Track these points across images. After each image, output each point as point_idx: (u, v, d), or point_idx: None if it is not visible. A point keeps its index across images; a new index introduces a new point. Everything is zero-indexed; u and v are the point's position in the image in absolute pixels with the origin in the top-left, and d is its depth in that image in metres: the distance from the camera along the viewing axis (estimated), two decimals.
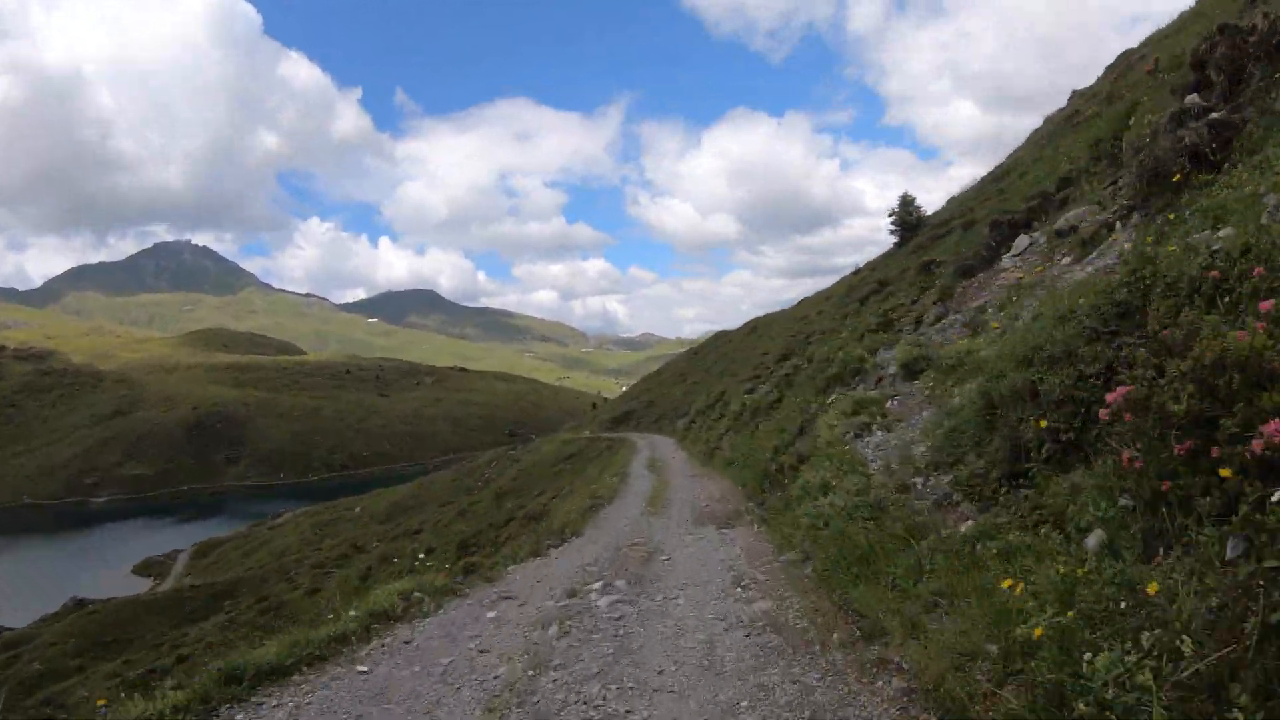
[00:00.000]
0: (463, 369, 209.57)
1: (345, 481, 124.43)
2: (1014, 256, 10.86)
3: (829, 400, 14.69)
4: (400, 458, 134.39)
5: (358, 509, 72.01)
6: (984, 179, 30.49)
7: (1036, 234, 11.51)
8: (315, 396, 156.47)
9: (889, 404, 10.98)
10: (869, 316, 20.98)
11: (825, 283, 57.07)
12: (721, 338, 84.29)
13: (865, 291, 25.87)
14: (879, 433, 10.19)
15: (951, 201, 32.45)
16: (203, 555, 74.25)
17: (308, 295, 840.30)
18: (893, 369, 12.80)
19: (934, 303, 10.22)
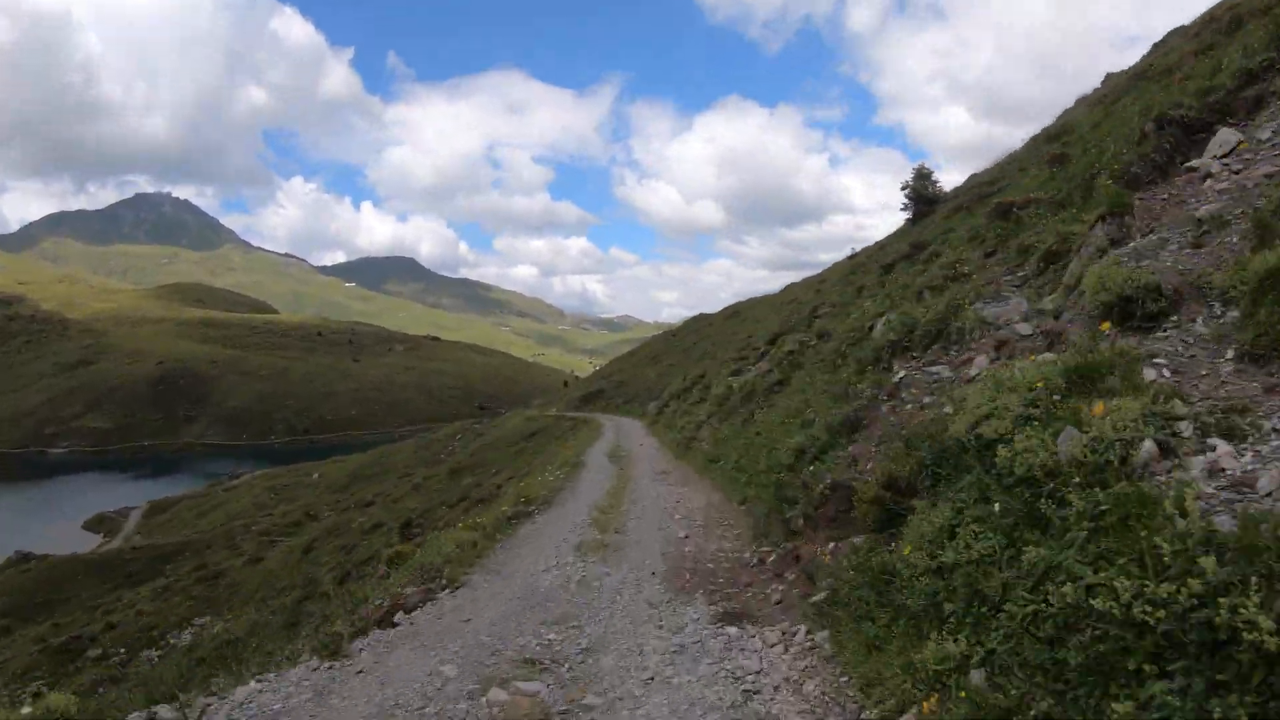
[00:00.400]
0: (436, 338, 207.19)
1: (312, 446, 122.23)
2: (1220, 158, 8.47)
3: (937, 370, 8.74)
4: (368, 425, 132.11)
5: (316, 475, 70.30)
6: (1036, 138, 28.53)
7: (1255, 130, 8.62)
8: (285, 357, 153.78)
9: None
10: (915, 278, 14.41)
11: (805, 276, 55.34)
12: (700, 320, 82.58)
13: (892, 258, 22.50)
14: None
15: (973, 177, 30.48)
16: (157, 513, 72.32)
17: (286, 255, 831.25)
18: (1045, 319, 7.65)
19: (1100, 221, 7.29)
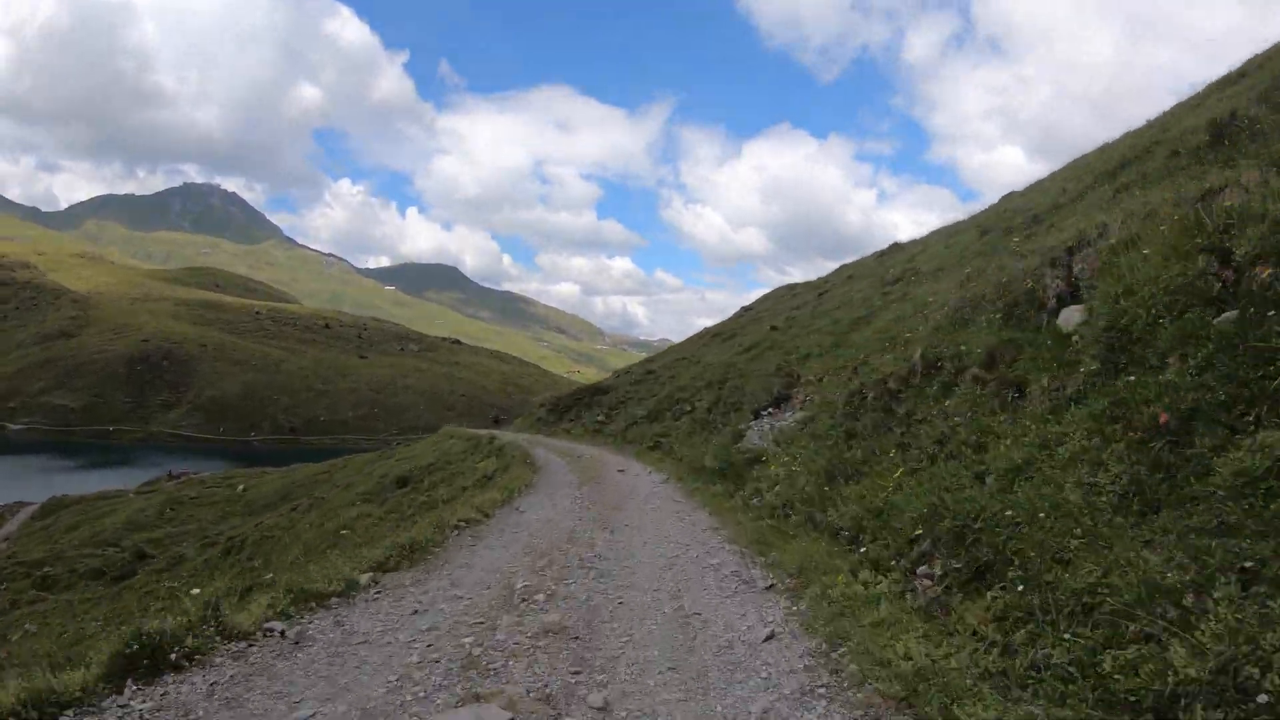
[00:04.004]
0: (458, 341, 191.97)
1: (298, 449, 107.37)
2: None
3: None
4: (360, 430, 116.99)
5: (241, 487, 55.14)
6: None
7: None
8: (283, 347, 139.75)
9: None
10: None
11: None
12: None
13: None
14: None
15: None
16: (46, 515, 57.72)
17: (329, 255, 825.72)
18: None
19: None
